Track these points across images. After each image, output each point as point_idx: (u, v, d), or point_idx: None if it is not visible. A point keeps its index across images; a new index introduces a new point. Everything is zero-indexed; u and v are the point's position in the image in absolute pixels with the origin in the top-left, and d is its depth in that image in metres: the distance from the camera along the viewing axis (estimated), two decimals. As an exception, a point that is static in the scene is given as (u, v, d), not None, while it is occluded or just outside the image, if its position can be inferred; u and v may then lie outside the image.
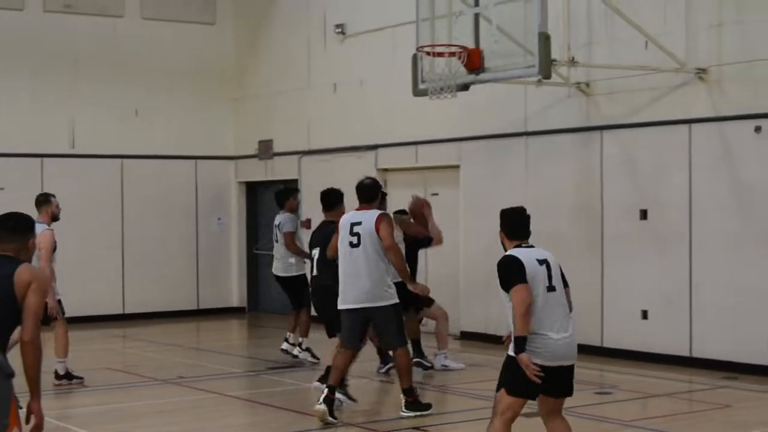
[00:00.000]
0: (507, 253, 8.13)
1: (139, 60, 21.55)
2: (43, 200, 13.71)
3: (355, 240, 11.14)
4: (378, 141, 19.03)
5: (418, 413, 11.30)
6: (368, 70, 19.22)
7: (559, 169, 15.73)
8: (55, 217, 13.67)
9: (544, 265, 8.02)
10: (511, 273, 7.96)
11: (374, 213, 11.25)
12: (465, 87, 13.93)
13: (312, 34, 20.57)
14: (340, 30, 19.84)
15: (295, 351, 15.49)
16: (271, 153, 21.68)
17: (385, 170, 19.11)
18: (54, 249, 13.32)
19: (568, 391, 8.13)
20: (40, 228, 13.24)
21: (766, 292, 13.35)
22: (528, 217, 8.33)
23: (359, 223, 11.18)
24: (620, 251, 14.93)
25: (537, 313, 7.90)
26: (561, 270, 8.20)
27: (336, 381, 11.37)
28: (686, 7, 14.10)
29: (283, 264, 15.65)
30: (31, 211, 19.64)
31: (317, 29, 20.41)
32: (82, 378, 13.75)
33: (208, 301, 22.24)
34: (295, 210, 15.81)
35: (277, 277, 15.91)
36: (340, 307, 11.35)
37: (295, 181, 20.99)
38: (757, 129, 13.40)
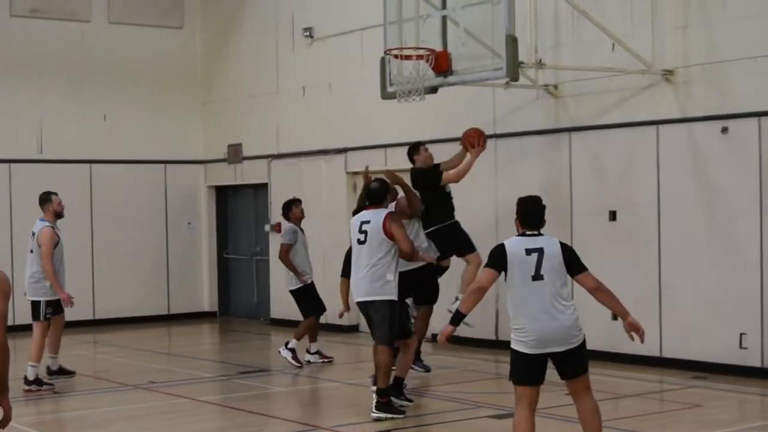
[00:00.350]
0: (507, 239, 8.47)
1: (107, 64, 21.49)
2: (45, 199, 14.09)
3: (362, 237, 11.60)
4: (347, 144, 19.04)
5: (389, 416, 11.36)
6: (337, 73, 19.24)
7: (528, 171, 15.78)
8: (58, 215, 14.05)
9: (534, 255, 8.26)
10: (490, 257, 8.40)
11: (382, 212, 11.66)
12: (433, 90, 13.94)
13: (280, 38, 20.57)
14: (308, 33, 19.84)
15: (307, 357, 15.52)
16: (240, 157, 21.66)
17: (355, 173, 19.10)
18: (56, 245, 13.71)
19: (570, 373, 8.38)
20: (40, 225, 13.79)
21: (735, 292, 13.45)
22: (540, 208, 8.57)
23: (368, 222, 11.62)
24: (590, 252, 14.88)
25: (517, 301, 8.27)
26: (573, 256, 8.40)
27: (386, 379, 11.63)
28: (652, 9, 14.17)
29: (286, 276, 15.62)
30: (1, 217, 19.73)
31: (285, 33, 20.41)
32: (52, 384, 13.74)
33: (178, 305, 22.19)
34: (300, 219, 15.65)
35: None
36: (355, 300, 11.87)
37: (265, 185, 20.99)
38: (724, 130, 13.50)
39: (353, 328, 18.95)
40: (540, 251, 8.28)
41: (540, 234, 8.46)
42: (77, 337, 19.31)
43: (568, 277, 8.38)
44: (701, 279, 13.81)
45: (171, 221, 22.18)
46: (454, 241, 13.77)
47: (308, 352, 15.53)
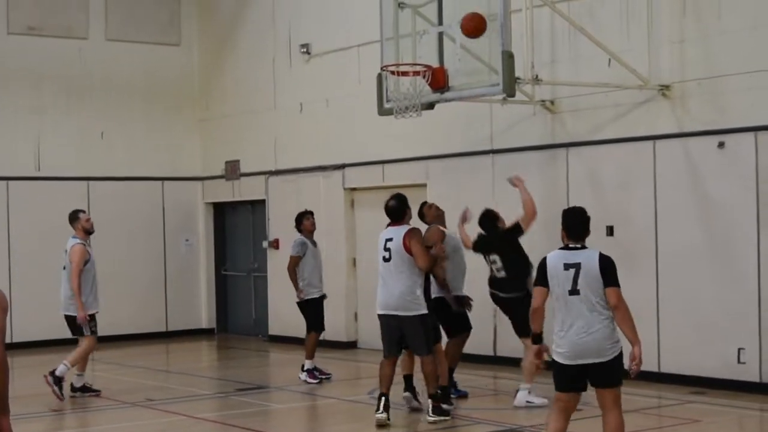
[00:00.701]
0: (549, 253, 8.92)
1: (105, 82, 21.50)
2: (73, 217, 14.65)
3: (387, 255, 12.02)
4: (345, 160, 19.04)
5: (442, 418, 11.90)
6: (334, 89, 19.25)
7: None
8: (88, 231, 14.55)
9: (572, 270, 8.61)
10: (536, 273, 8.95)
11: (403, 229, 12.07)
12: (430, 106, 13.95)
13: (277, 54, 20.59)
14: (305, 50, 19.86)
15: (301, 376, 15.41)
16: (238, 173, 21.66)
17: (353, 189, 19.12)
18: (86, 262, 14.16)
19: (599, 384, 8.67)
20: (72, 242, 14.36)
21: (733, 306, 13.44)
22: (584, 219, 9.00)
23: (391, 239, 12.03)
24: (587, 267, 14.96)
25: (556, 313, 8.71)
26: (608, 268, 8.65)
27: (385, 388, 11.99)
28: (648, 25, 14.20)
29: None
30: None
31: (282, 49, 20.43)
32: (98, 390, 14.36)
33: (176, 322, 22.13)
34: (311, 231, 15.65)
35: None
36: (377, 312, 12.23)
37: (262, 202, 20.98)
38: (720, 144, 13.51)
39: (351, 345, 18.94)
40: (577, 266, 8.60)
41: (583, 247, 8.79)
42: (75, 354, 19.29)
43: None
44: (699, 294, 13.80)
45: (169, 238, 22.16)
46: (521, 315, 12.81)
47: (302, 369, 15.45)
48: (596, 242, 14.70)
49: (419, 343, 11.98)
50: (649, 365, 14.11)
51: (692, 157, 13.89)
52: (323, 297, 15.60)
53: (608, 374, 8.62)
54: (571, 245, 8.81)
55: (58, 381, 13.89)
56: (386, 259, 12.01)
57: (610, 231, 14.70)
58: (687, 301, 13.93)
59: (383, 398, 11.85)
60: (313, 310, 15.47)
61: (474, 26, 12.94)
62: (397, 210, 12.23)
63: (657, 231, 14.24)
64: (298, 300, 15.49)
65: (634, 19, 14.42)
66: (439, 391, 12.13)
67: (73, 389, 14.40)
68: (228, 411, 13.72)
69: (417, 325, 11.90)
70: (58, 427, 12.88)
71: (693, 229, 13.87)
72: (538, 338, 8.95)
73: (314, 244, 15.62)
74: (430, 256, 12.08)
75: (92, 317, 14.33)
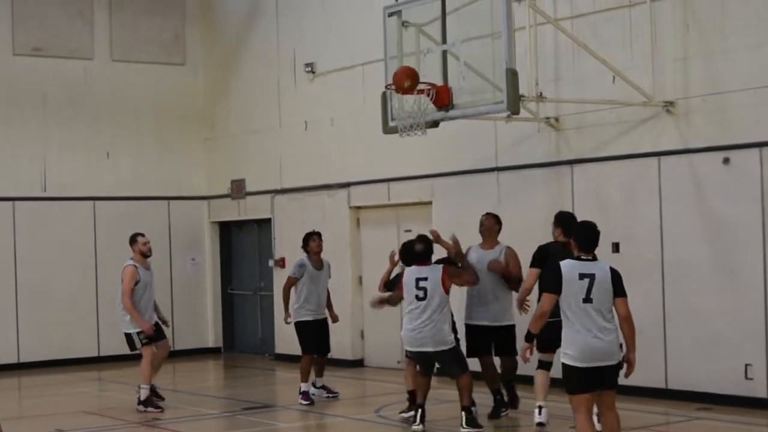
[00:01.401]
0: (562, 261, 9.43)
1: (110, 102, 21.54)
2: (132, 240, 15.21)
3: (421, 294, 12.40)
4: (350, 179, 19.06)
5: (475, 430, 12.21)
6: (339, 108, 19.27)
7: (531, 204, 15.79)
8: (144, 254, 15.00)
9: (587, 280, 9.19)
10: (549, 279, 9.48)
11: (437, 269, 12.52)
12: (435, 124, 13.98)
13: (282, 73, 20.63)
14: (309, 69, 19.89)
15: (313, 391, 15.37)
16: (243, 192, 21.68)
17: (358, 208, 19.13)
18: (137, 282, 14.63)
19: (606, 385, 9.23)
20: (125, 264, 14.96)
21: (739, 322, 13.42)
22: (597, 233, 9.63)
23: (425, 279, 12.43)
24: (593, 284, 14.93)
25: (568, 320, 9.22)
26: (618, 281, 9.37)
27: (421, 399, 12.66)
28: (652, 41, 14.22)
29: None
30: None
31: (287, 68, 20.47)
32: (161, 408, 14.65)
33: (183, 341, 22.07)
34: (317, 252, 15.50)
35: None
36: (406, 347, 12.83)
37: (268, 221, 21.00)
38: (725, 160, 13.51)
39: (358, 363, 18.92)
40: (592, 277, 9.21)
41: (594, 258, 9.44)
42: (82, 374, 19.30)
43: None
44: (705, 310, 13.79)
45: (175, 257, 22.17)
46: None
47: (314, 386, 15.47)
48: (602, 259, 14.75)
49: (452, 367, 12.52)
50: (656, 382, 14.16)
51: (697, 173, 13.90)
52: (318, 321, 15.39)
53: (616, 375, 9.24)
54: (583, 256, 9.35)
55: (146, 403, 14.63)
56: (420, 298, 12.39)
57: (615, 248, 14.70)
58: (693, 317, 13.92)
59: (420, 410, 12.49)
60: (303, 332, 15.32)
61: (400, 80, 13.27)
62: (425, 252, 12.61)
63: (663, 247, 14.24)
64: (297, 320, 15.33)
65: (637, 36, 14.43)
66: (472, 406, 12.53)
67: (139, 402, 14.78)
68: (235, 430, 13.74)
69: (447, 354, 12.43)
70: (65, 448, 12.89)
71: (699, 245, 13.87)
72: (531, 337, 9.53)
73: (320, 267, 15.43)
74: (469, 275, 12.77)
75: (140, 333, 14.75)
